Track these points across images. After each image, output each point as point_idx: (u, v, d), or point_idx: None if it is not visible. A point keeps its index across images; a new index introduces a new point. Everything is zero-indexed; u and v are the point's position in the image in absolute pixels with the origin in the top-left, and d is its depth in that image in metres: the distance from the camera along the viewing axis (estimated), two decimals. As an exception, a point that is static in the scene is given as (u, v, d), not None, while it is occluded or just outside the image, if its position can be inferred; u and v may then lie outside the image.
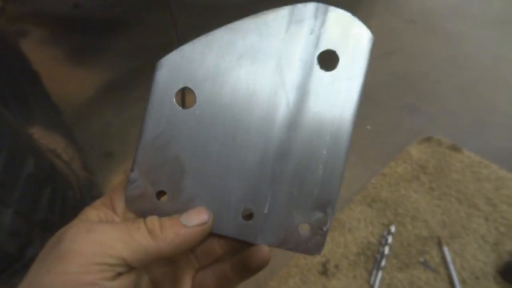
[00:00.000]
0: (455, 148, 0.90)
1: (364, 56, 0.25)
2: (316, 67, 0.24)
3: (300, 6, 0.24)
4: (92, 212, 0.25)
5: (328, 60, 0.25)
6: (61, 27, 1.56)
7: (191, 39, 0.26)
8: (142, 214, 0.26)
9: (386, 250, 0.70)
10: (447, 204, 0.78)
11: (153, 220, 0.24)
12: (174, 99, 0.25)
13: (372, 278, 0.67)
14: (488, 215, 0.75)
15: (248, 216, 0.27)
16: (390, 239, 0.71)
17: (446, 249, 0.69)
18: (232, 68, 0.25)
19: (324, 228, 0.27)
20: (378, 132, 0.99)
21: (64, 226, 0.23)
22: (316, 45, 0.24)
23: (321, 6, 0.24)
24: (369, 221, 0.76)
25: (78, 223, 0.23)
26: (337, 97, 0.25)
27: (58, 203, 0.26)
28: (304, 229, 0.26)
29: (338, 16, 0.25)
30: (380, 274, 0.67)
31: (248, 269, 0.27)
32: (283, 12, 0.24)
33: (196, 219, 0.25)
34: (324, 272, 0.68)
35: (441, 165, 0.86)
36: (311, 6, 0.24)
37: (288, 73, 0.24)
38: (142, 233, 0.23)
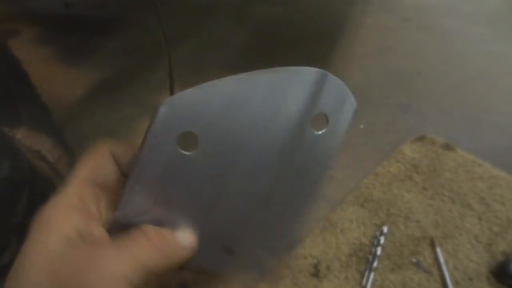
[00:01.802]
0: (448, 147, 0.89)
1: (349, 121, 0.28)
2: (309, 126, 0.27)
3: (305, 70, 0.26)
4: (65, 222, 0.23)
5: (317, 121, 0.27)
6: (52, 26, 1.54)
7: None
8: None
9: (379, 251, 0.69)
10: (440, 203, 0.77)
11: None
12: (175, 143, 0.24)
13: (364, 280, 0.66)
14: (481, 215, 0.74)
15: (228, 252, 0.28)
16: (382, 240, 0.70)
17: (439, 250, 0.69)
18: (236, 118, 0.25)
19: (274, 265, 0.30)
20: (371, 131, 0.98)
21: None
22: (313, 107, 0.27)
23: (322, 72, 0.26)
24: (361, 221, 0.75)
25: (70, 249, 0.21)
26: (320, 153, 0.28)
27: (37, 207, 0.25)
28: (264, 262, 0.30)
29: (335, 84, 0.27)
30: (372, 275, 0.66)
31: None
32: (290, 73, 0.26)
33: (190, 239, 0.25)
34: (316, 273, 0.67)
35: (434, 164, 0.85)
36: (314, 72, 0.26)
37: (285, 129, 0.26)
38: (145, 248, 0.23)
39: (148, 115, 0.24)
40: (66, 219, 0.22)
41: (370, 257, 0.68)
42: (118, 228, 0.25)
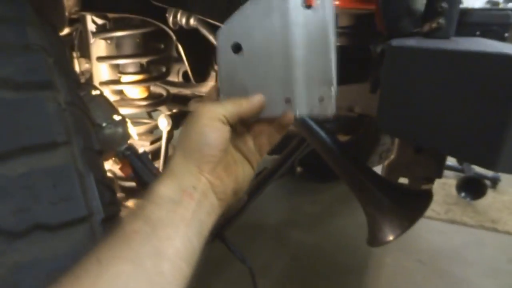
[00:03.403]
0: None
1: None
2: (302, 7, 0.45)
3: None
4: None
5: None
6: None
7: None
8: None
9: None
10: None
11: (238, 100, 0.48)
12: (230, 49, 0.47)
13: None
14: None
15: (288, 101, 0.47)
16: None
17: None
18: (260, 26, 0.46)
19: (332, 96, 0.46)
20: None
21: None
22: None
23: None
24: None
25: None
26: (318, 25, 0.45)
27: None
28: (321, 100, 0.46)
29: None
30: None
31: (282, 126, 0.50)
32: None
33: (257, 98, 0.47)
34: None
35: None
36: None
37: (289, 16, 0.45)
38: (232, 105, 0.46)
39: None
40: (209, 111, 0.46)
41: None
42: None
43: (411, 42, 0.58)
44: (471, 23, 0.86)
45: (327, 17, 0.45)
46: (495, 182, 2.28)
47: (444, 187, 2.28)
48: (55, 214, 0.40)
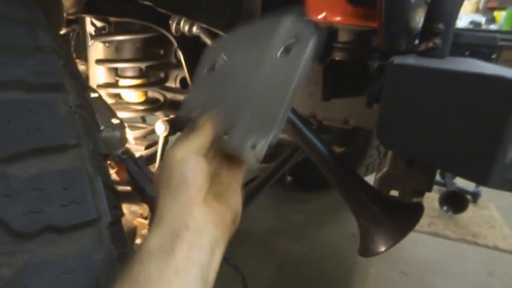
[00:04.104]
0: None
1: (309, 52, 0.43)
2: (277, 53, 0.45)
3: (280, 20, 0.45)
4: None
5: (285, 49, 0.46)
6: None
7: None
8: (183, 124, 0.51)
9: None
10: None
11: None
12: (207, 67, 0.51)
13: None
14: None
15: (225, 132, 0.46)
16: None
17: None
18: (237, 53, 0.49)
19: (263, 150, 0.44)
20: None
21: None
22: (284, 40, 0.45)
23: (289, 21, 0.45)
24: None
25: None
26: (285, 71, 0.44)
27: None
28: (252, 147, 0.44)
29: (297, 20, 0.45)
30: None
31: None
32: (272, 22, 0.46)
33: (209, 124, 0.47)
34: None
35: None
36: (285, 20, 0.45)
37: (267, 52, 0.45)
38: (195, 138, 0.46)
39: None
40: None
41: None
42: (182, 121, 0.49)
43: (411, 60, 0.61)
44: (461, 43, 0.90)
45: (294, 72, 0.44)
46: (475, 197, 2.35)
47: (427, 200, 2.34)
48: (66, 216, 0.40)
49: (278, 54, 0.44)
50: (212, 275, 0.41)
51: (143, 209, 1.05)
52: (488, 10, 4.34)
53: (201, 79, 0.51)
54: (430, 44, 0.73)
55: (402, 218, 0.76)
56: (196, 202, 0.42)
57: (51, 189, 0.40)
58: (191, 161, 0.44)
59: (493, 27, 4.05)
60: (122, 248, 0.48)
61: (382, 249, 0.75)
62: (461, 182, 2.35)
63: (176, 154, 0.45)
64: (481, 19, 4.06)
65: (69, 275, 0.39)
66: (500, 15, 4.11)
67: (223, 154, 0.50)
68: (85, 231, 0.42)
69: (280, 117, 0.43)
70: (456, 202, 2.14)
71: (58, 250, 0.39)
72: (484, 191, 2.34)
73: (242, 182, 0.51)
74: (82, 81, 0.59)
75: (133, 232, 1.04)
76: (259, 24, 0.48)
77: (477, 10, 4.39)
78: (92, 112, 0.56)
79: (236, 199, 0.49)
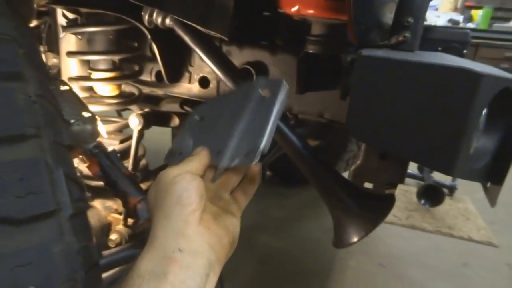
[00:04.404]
0: None
1: (283, 96, 0.53)
2: (258, 99, 0.54)
3: (255, 80, 0.58)
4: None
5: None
6: None
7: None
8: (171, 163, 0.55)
9: None
10: None
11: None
12: (196, 117, 0.60)
13: None
14: None
15: (217, 153, 0.52)
16: None
17: None
18: (223, 105, 0.59)
19: (256, 153, 0.48)
20: None
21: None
22: (259, 91, 0.55)
23: (263, 80, 0.56)
24: None
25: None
26: (265, 109, 0.52)
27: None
28: (245, 153, 0.49)
29: (271, 80, 0.56)
30: None
31: (251, 178, 0.52)
32: (249, 83, 0.57)
33: (204, 150, 0.51)
34: None
35: None
36: (260, 79, 0.56)
37: (246, 104, 0.55)
38: (191, 161, 0.49)
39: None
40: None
41: None
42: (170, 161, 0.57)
43: (380, 53, 0.62)
44: (434, 39, 0.91)
45: (273, 102, 0.52)
46: (452, 190, 2.41)
47: (406, 194, 2.38)
48: (22, 208, 0.39)
49: (260, 94, 0.54)
50: None
51: (118, 204, 1.03)
52: (466, 9, 4.44)
53: (190, 126, 0.60)
54: (400, 38, 0.74)
55: (374, 209, 0.77)
56: (191, 222, 0.41)
57: (7, 180, 0.39)
58: (185, 178, 0.43)
59: (470, 25, 4.14)
60: (86, 240, 0.47)
61: (355, 239, 0.75)
62: (438, 176, 2.40)
63: (170, 173, 0.44)
64: (459, 17, 4.14)
65: (25, 267, 0.38)
66: (477, 14, 4.21)
67: (224, 181, 0.51)
68: (43, 222, 0.40)
69: (266, 133, 0.50)
70: (433, 195, 2.19)
71: (13, 242, 0.38)
72: (460, 184, 2.40)
73: (243, 209, 0.53)
74: (45, 72, 0.58)
75: (108, 227, 1.02)
76: (237, 88, 0.67)
77: (455, 9, 4.48)
78: (55, 103, 0.54)
79: (235, 222, 0.49)
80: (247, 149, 0.49)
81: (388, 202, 0.77)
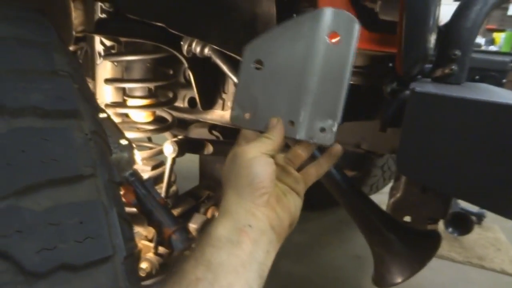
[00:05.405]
0: None
1: (356, 37, 0.48)
2: (327, 43, 0.48)
3: (319, 11, 0.48)
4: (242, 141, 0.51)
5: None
6: None
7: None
8: (240, 124, 0.52)
9: None
10: None
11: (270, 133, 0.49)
12: (253, 64, 0.51)
13: None
14: None
15: (291, 123, 0.49)
16: None
17: None
18: (285, 49, 0.49)
19: (334, 129, 0.48)
20: None
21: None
22: (330, 28, 0.48)
23: (335, 10, 0.48)
24: None
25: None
26: (338, 58, 0.48)
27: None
28: (322, 130, 0.48)
29: (344, 15, 0.48)
30: None
31: (330, 156, 0.53)
32: (312, 14, 0.49)
33: (279, 124, 0.49)
34: None
35: None
36: (327, 10, 0.48)
37: (314, 47, 0.48)
38: (266, 139, 0.48)
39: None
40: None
41: None
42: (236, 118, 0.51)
43: (432, 88, 0.60)
44: (472, 68, 0.89)
45: (346, 56, 0.48)
46: (480, 218, 2.32)
47: (431, 221, 2.31)
48: (81, 253, 0.38)
49: (327, 42, 0.48)
50: (265, 274, 0.44)
51: (148, 231, 1.02)
52: (487, 32, 4.40)
53: (248, 75, 0.51)
54: (447, 70, 0.73)
55: (420, 247, 0.73)
56: (260, 204, 0.45)
57: (66, 224, 0.38)
58: (261, 162, 0.46)
59: (492, 48, 4.10)
60: (136, 284, 0.45)
61: (399, 280, 0.72)
62: (465, 203, 2.32)
63: (247, 153, 0.47)
64: (481, 40, 4.11)
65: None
66: (499, 37, 4.16)
67: (294, 155, 0.53)
68: (100, 268, 0.39)
69: (342, 99, 0.48)
70: (461, 223, 2.11)
71: (71, 290, 0.37)
72: (489, 212, 2.32)
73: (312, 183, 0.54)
74: (96, 105, 0.58)
75: (137, 255, 1.00)
76: (296, 21, 0.50)
77: (476, 31, 4.44)
78: (105, 138, 0.54)
79: (297, 203, 0.51)
80: (324, 122, 0.48)
81: (434, 239, 0.74)
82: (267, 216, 0.45)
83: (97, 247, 0.39)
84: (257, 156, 0.46)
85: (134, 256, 0.48)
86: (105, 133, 0.55)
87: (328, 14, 0.48)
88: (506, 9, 4.41)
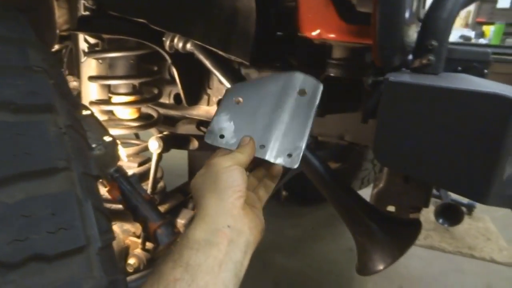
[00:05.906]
0: None
1: (318, 95, 0.61)
2: (296, 95, 0.61)
3: (293, 74, 0.62)
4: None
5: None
6: None
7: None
8: (214, 143, 0.57)
9: None
10: None
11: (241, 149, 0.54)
12: (233, 100, 0.60)
13: None
14: None
15: (262, 146, 0.56)
16: None
17: None
18: (262, 92, 0.61)
19: (299, 156, 0.55)
20: None
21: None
22: (300, 86, 0.61)
23: (302, 76, 0.62)
24: None
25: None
26: (303, 108, 0.59)
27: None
28: (289, 156, 0.56)
29: (311, 79, 0.62)
30: None
31: (273, 175, 0.58)
32: (286, 74, 0.62)
33: (252, 143, 0.55)
34: None
35: None
36: (298, 74, 0.62)
37: (285, 99, 0.60)
38: (239, 154, 0.54)
39: None
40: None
41: None
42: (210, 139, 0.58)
43: (407, 78, 0.61)
44: (454, 59, 0.90)
45: (311, 107, 0.60)
46: (470, 209, 2.35)
47: (423, 213, 2.32)
48: (53, 244, 0.38)
49: (297, 95, 0.60)
50: (241, 274, 0.46)
51: (136, 227, 1.02)
52: (477, 25, 4.43)
53: (229, 108, 0.60)
54: (424, 61, 0.74)
55: (400, 235, 0.74)
56: (238, 205, 0.48)
57: (38, 215, 0.39)
58: (237, 170, 0.51)
59: (482, 41, 4.13)
60: (113, 274, 0.46)
61: (381, 267, 0.73)
62: (455, 194, 2.34)
63: (224, 162, 0.51)
64: (471, 33, 4.13)
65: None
66: (489, 30, 4.19)
67: (254, 173, 0.59)
68: (74, 258, 0.40)
69: (307, 134, 0.57)
70: (451, 214, 2.13)
71: (44, 280, 0.37)
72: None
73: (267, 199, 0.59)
74: (73, 100, 0.58)
75: (126, 251, 1.01)
76: (274, 77, 0.63)
77: (466, 25, 4.47)
78: (83, 132, 0.54)
79: (261, 216, 0.55)
80: (289, 149, 0.57)
81: (414, 227, 0.75)
82: (244, 218, 0.49)
83: (70, 237, 0.40)
84: (233, 165, 0.51)
85: (111, 247, 0.49)
86: (83, 128, 0.56)
87: (300, 78, 0.62)
88: (495, 2, 4.43)
